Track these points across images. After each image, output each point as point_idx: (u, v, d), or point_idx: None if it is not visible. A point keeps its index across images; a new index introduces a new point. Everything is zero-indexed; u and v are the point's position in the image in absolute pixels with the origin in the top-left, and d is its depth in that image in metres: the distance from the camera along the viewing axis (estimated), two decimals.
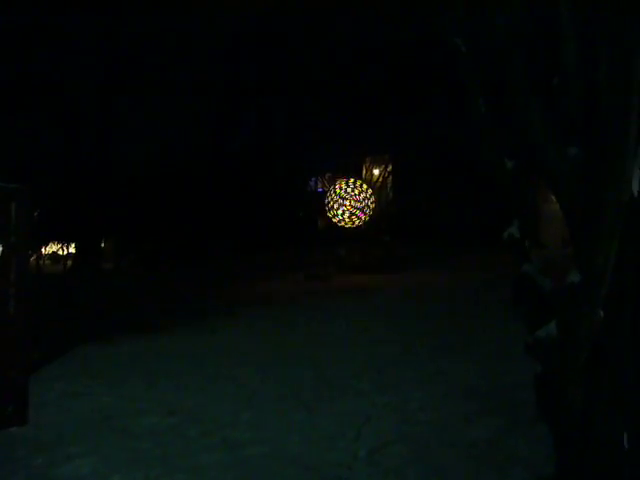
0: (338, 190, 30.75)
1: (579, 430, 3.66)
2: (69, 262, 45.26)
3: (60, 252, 58.09)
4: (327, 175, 38.25)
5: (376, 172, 36.84)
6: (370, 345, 10.21)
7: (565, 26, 3.90)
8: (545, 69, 4.14)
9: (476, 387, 7.25)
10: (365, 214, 30.63)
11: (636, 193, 3.47)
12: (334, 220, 31.23)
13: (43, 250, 51.10)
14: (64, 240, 49.46)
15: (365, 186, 31.28)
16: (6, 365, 6.01)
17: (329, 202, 31.03)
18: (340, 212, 30.52)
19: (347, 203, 30.82)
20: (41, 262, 46.53)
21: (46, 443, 5.74)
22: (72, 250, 48.43)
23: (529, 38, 4.06)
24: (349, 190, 30.67)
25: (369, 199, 30.68)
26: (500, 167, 4.20)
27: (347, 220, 30.77)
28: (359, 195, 30.62)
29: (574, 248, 3.74)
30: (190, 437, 5.87)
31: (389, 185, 37.66)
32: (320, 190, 39.90)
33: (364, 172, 35.42)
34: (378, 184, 34.97)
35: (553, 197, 4.03)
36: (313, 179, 42.42)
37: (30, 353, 6.72)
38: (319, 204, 34.20)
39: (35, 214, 32.41)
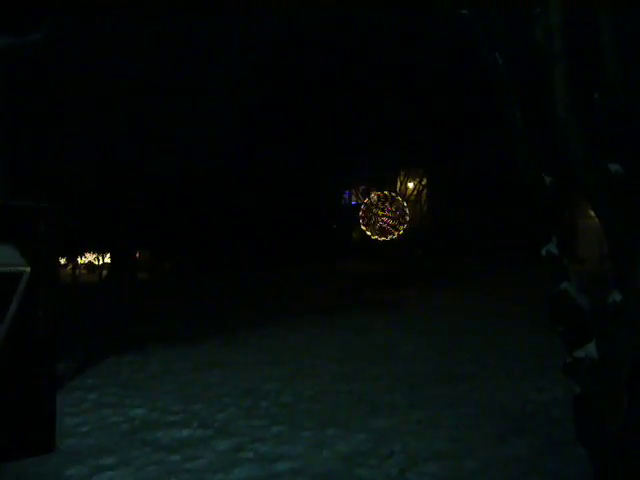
0: (372, 203, 30.77)
1: (618, 453, 3.57)
2: (104, 272, 45.81)
3: (95, 262, 58.86)
4: (361, 188, 38.25)
5: (411, 185, 36.74)
6: (402, 361, 10.11)
7: (606, 40, 3.85)
8: (585, 84, 4.08)
9: (510, 406, 7.13)
10: (399, 228, 30.58)
11: None
12: (368, 233, 31.23)
13: (79, 260, 51.77)
14: (99, 250, 50.09)
15: (399, 199, 31.25)
16: (33, 390, 5.80)
17: (363, 215, 31.06)
18: (374, 226, 30.52)
19: (381, 216, 30.81)
20: (77, 272, 47.10)
21: (78, 454, 5.75)
22: (107, 260, 49.05)
23: (569, 53, 4.01)
24: (383, 203, 30.68)
25: (403, 213, 30.64)
26: (539, 183, 4.14)
27: (380, 233, 30.74)
28: (393, 209, 30.61)
29: (614, 266, 3.67)
30: (221, 451, 5.84)
31: (424, 199, 37.55)
32: (354, 203, 39.92)
33: (398, 185, 35.33)
34: (412, 198, 34.88)
35: (589, 213, 3.98)
36: (347, 192, 42.46)
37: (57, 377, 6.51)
38: (353, 217, 34.23)
39: (70, 224, 32.79)
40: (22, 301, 5.09)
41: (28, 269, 5.05)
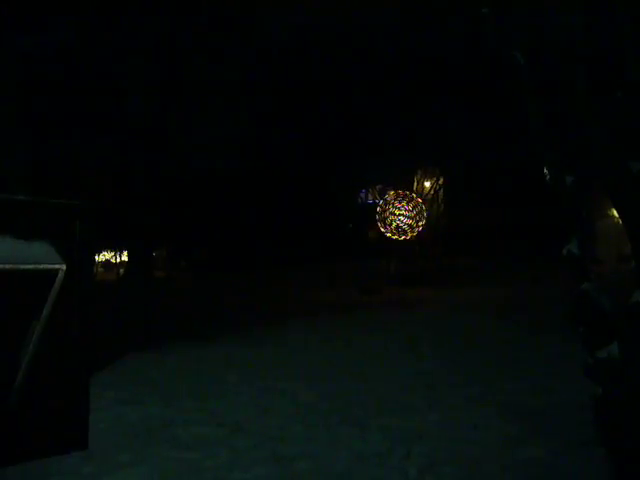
0: (389, 202, 30.65)
1: None
2: (121, 270, 46.02)
3: (113, 260, 59.24)
4: (378, 187, 38.10)
5: (427, 185, 36.58)
6: (420, 361, 10.08)
7: (627, 37, 3.81)
8: (608, 82, 4.04)
9: (529, 406, 7.08)
10: (415, 227, 30.46)
11: None
12: (384, 232, 31.13)
13: (96, 258, 52.05)
14: (117, 248, 50.37)
15: (416, 198, 31.12)
16: (68, 388, 5.79)
17: (379, 214, 30.96)
18: (391, 225, 30.41)
19: (397, 215, 30.68)
20: (95, 270, 47.29)
21: (95, 452, 5.76)
22: (124, 258, 49.31)
23: (591, 53, 3.97)
24: (400, 202, 30.55)
25: (420, 212, 30.52)
26: (560, 182, 4.10)
27: (397, 232, 30.63)
28: (410, 207, 30.49)
29: (637, 265, 3.63)
30: (239, 449, 5.84)
31: (440, 198, 37.37)
32: (370, 202, 39.81)
33: (415, 184, 35.17)
34: (429, 197, 34.72)
35: (609, 212, 3.93)
36: (363, 190, 42.35)
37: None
38: (369, 216, 34.11)
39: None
40: (58, 299, 5.08)
41: (64, 266, 5.03)
